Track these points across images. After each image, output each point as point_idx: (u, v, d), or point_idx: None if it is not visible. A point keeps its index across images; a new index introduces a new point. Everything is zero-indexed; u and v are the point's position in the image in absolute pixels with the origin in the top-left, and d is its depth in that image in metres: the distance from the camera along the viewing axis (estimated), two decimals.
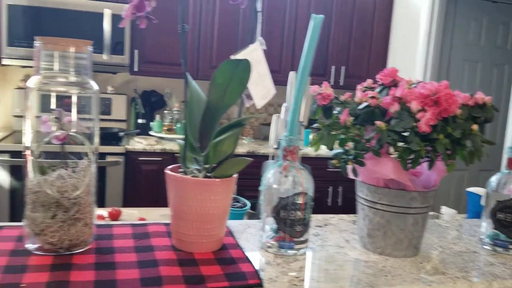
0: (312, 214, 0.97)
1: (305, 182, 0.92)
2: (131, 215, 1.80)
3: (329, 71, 3.62)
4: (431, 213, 1.06)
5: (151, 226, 1.04)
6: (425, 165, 0.97)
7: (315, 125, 0.98)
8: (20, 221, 0.91)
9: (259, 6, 0.93)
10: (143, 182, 3.09)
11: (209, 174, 0.91)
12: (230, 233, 1.03)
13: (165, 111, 3.47)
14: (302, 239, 0.94)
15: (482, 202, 1.13)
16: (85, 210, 0.87)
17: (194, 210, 0.89)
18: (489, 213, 1.06)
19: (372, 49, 3.71)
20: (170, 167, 0.95)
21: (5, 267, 0.79)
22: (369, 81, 1.02)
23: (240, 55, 0.92)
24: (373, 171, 0.95)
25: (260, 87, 0.95)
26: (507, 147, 1.32)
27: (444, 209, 1.67)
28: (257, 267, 0.87)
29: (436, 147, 0.88)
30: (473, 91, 0.95)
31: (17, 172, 2.83)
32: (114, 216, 1.72)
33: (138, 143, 3.15)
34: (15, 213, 2.86)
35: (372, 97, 0.93)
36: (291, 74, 1.16)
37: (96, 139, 0.90)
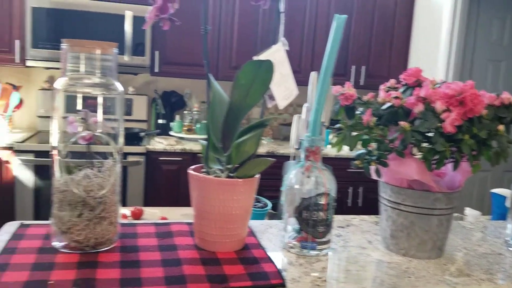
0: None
1: (327, 183, 0.92)
2: (153, 214, 1.82)
3: (349, 71, 3.60)
4: (455, 214, 1.04)
5: (174, 225, 1.05)
6: (449, 166, 0.96)
7: (337, 126, 0.98)
8: (43, 219, 0.93)
9: (282, 7, 0.93)
10: (164, 182, 3.12)
11: (231, 174, 0.92)
12: (252, 233, 1.04)
13: (185, 112, 3.50)
14: (324, 239, 0.94)
15: (507, 203, 1.11)
16: (110, 209, 0.88)
17: (216, 210, 0.90)
18: None
19: (393, 48, 3.68)
20: (193, 167, 0.96)
21: (33, 264, 0.81)
22: (392, 81, 1.01)
23: (263, 56, 0.92)
24: (397, 172, 0.94)
25: (283, 87, 0.95)
26: None
27: (468, 211, 1.65)
28: (279, 267, 0.87)
29: (461, 148, 0.87)
30: (497, 91, 0.94)
31: (41, 171, 2.89)
32: (137, 215, 1.74)
33: (158, 143, 3.18)
34: (39, 212, 2.92)
35: (396, 97, 0.92)
36: (313, 74, 1.16)
37: (121, 139, 0.92)
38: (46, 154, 2.84)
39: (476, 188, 3.69)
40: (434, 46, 3.41)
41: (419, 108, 0.89)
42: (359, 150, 0.96)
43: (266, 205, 1.55)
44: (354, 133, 0.95)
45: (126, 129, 3.37)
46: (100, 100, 0.89)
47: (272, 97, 0.97)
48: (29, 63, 3.04)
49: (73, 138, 0.87)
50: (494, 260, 0.99)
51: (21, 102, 3.29)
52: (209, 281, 0.79)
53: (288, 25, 3.52)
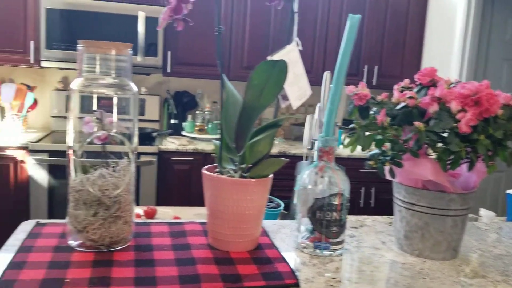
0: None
1: (341, 183, 0.92)
2: (166, 213, 1.83)
3: (362, 71, 3.59)
4: (469, 215, 1.03)
5: (188, 224, 1.05)
6: (464, 166, 0.95)
7: (350, 126, 0.98)
8: (57, 218, 0.94)
9: (295, 7, 0.93)
10: (175, 182, 3.14)
11: (245, 174, 0.92)
12: (265, 233, 1.04)
13: (196, 112, 3.52)
14: (338, 240, 0.94)
15: None
16: (125, 208, 0.89)
17: (230, 210, 0.90)
18: None
19: (405, 47, 3.65)
20: (206, 167, 0.96)
21: (49, 262, 0.82)
22: (406, 81, 1.01)
23: (276, 56, 0.92)
24: (411, 172, 0.93)
25: (296, 87, 0.95)
26: None
27: (483, 212, 1.63)
28: (293, 267, 0.87)
29: (476, 148, 0.86)
30: None
31: (55, 170, 2.92)
32: (150, 215, 1.75)
33: (170, 143, 3.20)
34: (53, 211, 2.96)
35: (410, 97, 0.91)
36: (326, 74, 1.16)
37: (135, 139, 0.93)
38: (60, 153, 2.88)
39: (490, 189, 3.65)
40: (448, 45, 3.38)
41: (434, 108, 0.88)
42: (372, 150, 0.96)
43: (279, 205, 1.56)
44: (367, 133, 0.94)
45: (139, 129, 3.39)
46: (115, 100, 0.90)
47: (285, 97, 0.97)
48: (43, 64, 3.08)
49: (89, 138, 0.88)
50: (509, 261, 0.98)
51: (35, 102, 3.33)
52: (223, 280, 0.80)
53: (300, 24, 3.50)
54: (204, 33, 3.23)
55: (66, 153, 0.90)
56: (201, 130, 3.44)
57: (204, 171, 0.94)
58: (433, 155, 0.92)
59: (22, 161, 2.91)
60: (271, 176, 0.94)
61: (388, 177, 0.97)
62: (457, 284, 0.86)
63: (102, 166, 0.90)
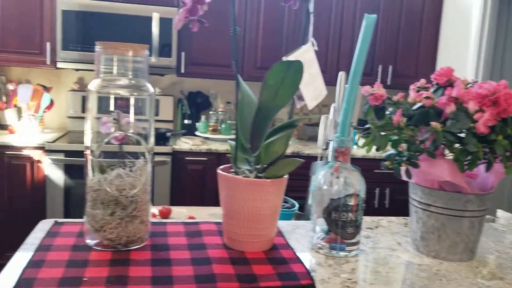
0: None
1: (357, 184, 0.92)
2: (181, 213, 1.84)
3: (376, 71, 3.56)
4: (486, 216, 1.02)
5: (203, 224, 1.06)
6: (481, 167, 0.94)
7: (366, 126, 0.97)
8: (73, 217, 0.95)
9: (311, 7, 0.93)
10: (189, 182, 3.15)
11: (260, 175, 0.92)
12: (280, 234, 1.04)
13: (210, 112, 3.53)
14: (353, 241, 0.94)
15: None
16: (142, 208, 0.90)
17: (245, 210, 0.91)
18: None
19: (420, 47, 3.62)
20: (221, 167, 0.96)
21: (67, 261, 0.83)
22: (422, 81, 1.00)
23: (292, 56, 0.92)
24: (428, 173, 0.93)
25: (312, 88, 0.95)
26: None
27: (500, 213, 1.61)
28: (308, 267, 0.87)
29: (494, 149, 0.85)
30: None
31: (71, 170, 2.96)
32: (165, 214, 1.77)
33: (184, 143, 3.22)
34: (69, 210, 2.99)
35: (427, 97, 0.91)
36: (341, 74, 1.15)
37: (152, 139, 0.93)
38: (76, 153, 2.91)
39: (508, 190, 3.60)
40: (463, 45, 3.34)
41: (451, 108, 0.88)
42: (387, 151, 0.96)
43: (293, 206, 1.55)
44: (383, 134, 0.94)
45: None
46: (131, 101, 0.91)
47: (300, 98, 0.97)
48: (59, 65, 3.12)
49: (106, 138, 0.89)
50: None
51: (51, 103, 3.37)
52: (239, 280, 0.80)
53: (314, 24, 3.50)
54: (218, 33, 3.24)
55: (84, 153, 0.91)
56: (215, 130, 3.46)
57: (219, 171, 0.94)
58: (450, 156, 0.91)
59: (38, 161, 2.95)
60: (286, 176, 0.94)
61: (404, 177, 0.96)
62: (474, 286, 0.85)
63: (119, 166, 0.91)
